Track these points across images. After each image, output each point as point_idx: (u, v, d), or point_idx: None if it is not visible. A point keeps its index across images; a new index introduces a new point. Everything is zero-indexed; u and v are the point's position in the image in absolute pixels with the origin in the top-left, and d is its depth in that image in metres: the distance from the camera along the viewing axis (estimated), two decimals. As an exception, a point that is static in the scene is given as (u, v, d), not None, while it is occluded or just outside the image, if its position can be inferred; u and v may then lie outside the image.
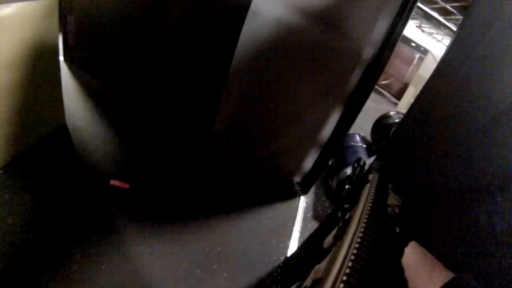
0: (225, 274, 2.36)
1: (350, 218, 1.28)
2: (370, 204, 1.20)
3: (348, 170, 3.56)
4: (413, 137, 1.65)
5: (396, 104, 10.78)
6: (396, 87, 11.76)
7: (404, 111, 2.36)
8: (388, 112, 4.62)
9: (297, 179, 3.75)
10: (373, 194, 1.28)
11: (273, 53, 2.94)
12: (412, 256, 0.93)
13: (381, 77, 2.92)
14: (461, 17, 5.69)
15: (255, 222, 2.97)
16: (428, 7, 6.46)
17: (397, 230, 1.07)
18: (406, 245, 0.97)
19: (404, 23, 2.50)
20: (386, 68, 2.88)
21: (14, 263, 1.87)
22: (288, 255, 2.75)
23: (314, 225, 3.22)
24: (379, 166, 1.67)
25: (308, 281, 1.32)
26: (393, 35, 2.56)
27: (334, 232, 1.39)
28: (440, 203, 1.13)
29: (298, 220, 3.24)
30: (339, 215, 1.46)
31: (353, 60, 2.79)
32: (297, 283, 1.55)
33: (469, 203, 0.96)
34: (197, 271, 2.29)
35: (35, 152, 2.62)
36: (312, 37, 2.77)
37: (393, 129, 3.71)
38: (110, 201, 2.53)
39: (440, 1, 5.75)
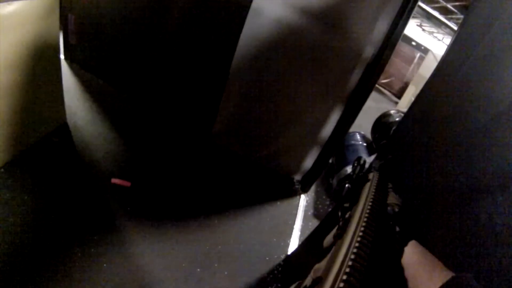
0: (226, 273, 2.36)
1: (350, 217, 1.28)
2: (370, 203, 1.20)
3: (349, 169, 3.57)
4: (413, 136, 1.65)
5: (396, 103, 10.79)
6: (397, 86, 11.76)
7: (405, 110, 2.36)
8: (389, 110, 4.62)
9: (297, 177, 3.76)
10: (373, 193, 1.28)
11: (273, 53, 2.94)
12: (412, 256, 0.94)
13: (381, 76, 2.92)
14: (461, 16, 5.68)
15: (256, 221, 2.98)
16: (429, 6, 6.45)
17: (397, 229, 1.07)
18: (406, 245, 0.97)
19: (405, 23, 2.50)
20: (387, 67, 2.88)
21: (15, 262, 1.87)
22: (289, 253, 2.75)
23: (314, 223, 3.23)
24: (379, 165, 1.67)
25: (308, 280, 1.32)
26: (394, 34, 2.56)
27: (334, 231, 1.40)
28: (440, 203, 1.13)
29: (299, 218, 3.24)
30: (339, 214, 1.47)
31: (354, 60, 2.79)
32: (297, 282, 1.55)
33: (469, 202, 0.96)
34: (198, 270, 2.29)
35: (36, 151, 2.62)
36: (313, 37, 2.77)
37: (393, 128, 3.71)
38: (111, 200, 2.53)
39: (441, 0, 5.74)
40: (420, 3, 6.02)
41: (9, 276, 1.80)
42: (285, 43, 2.88)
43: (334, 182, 3.69)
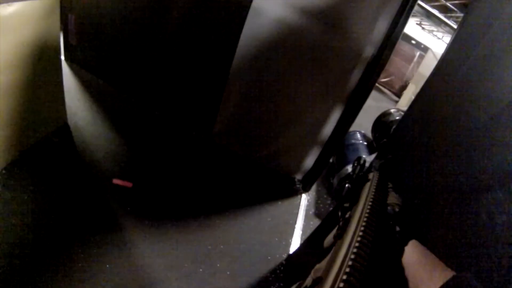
0: (228, 273, 2.37)
1: (350, 217, 1.28)
2: (370, 203, 1.20)
3: (349, 168, 3.57)
4: (413, 136, 1.65)
5: (396, 101, 10.77)
6: (397, 84, 11.74)
7: (405, 108, 2.36)
8: (389, 109, 4.61)
9: (298, 177, 3.76)
10: (373, 193, 1.28)
11: (273, 53, 2.94)
12: (413, 255, 0.94)
13: (381, 75, 2.92)
14: (461, 15, 5.67)
15: (257, 221, 2.98)
16: (428, 5, 6.45)
17: (397, 229, 1.07)
18: (406, 244, 0.97)
19: (405, 22, 2.50)
20: (387, 66, 2.88)
21: (15, 263, 1.88)
22: (291, 252, 2.76)
23: (316, 222, 3.23)
24: (379, 164, 1.67)
25: (308, 281, 1.33)
26: (394, 34, 2.57)
27: (334, 231, 1.40)
28: (440, 202, 1.13)
29: (300, 217, 3.25)
30: (339, 214, 1.47)
31: (354, 59, 2.79)
32: (298, 283, 1.56)
33: (469, 202, 0.96)
34: (200, 270, 2.30)
35: (37, 152, 2.62)
36: (313, 37, 2.77)
37: (393, 127, 3.71)
38: (111, 200, 2.54)
39: (440, -1, 5.74)
40: (419, 2, 6.01)
41: (10, 276, 1.81)
42: (285, 43, 2.89)
43: (335, 181, 3.69)
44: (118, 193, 2.61)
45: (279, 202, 3.33)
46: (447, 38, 8.89)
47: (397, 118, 4.23)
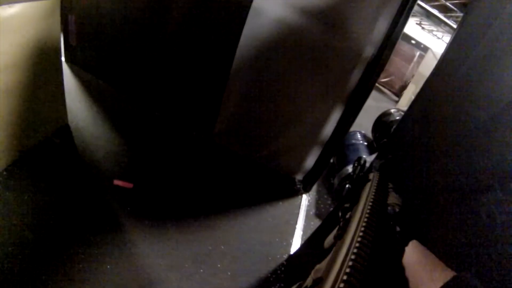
0: (228, 273, 2.37)
1: (351, 217, 1.29)
2: (370, 203, 1.20)
3: (350, 168, 3.57)
4: (413, 136, 1.65)
5: (396, 101, 10.77)
6: (397, 84, 11.73)
7: (405, 108, 2.36)
8: (389, 109, 4.62)
9: (299, 177, 3.76)
10: (373, 193, 1.28)
11: (273, 53, 2.95)
12: (413, 255, 0.94)
13: (381, 75, 2.92)
14: (461, 14, 5.67)
15: (258, 221, 2.98)
16: (428, 5, 6.44)
17: (398, 229, 1.07)
18: (406, 244, 0.97)
19: (404, 22, 2.50)
20: (386, 66, 2.88)
21: (16, 263, 1.88)
22: (291, 253, 2.76)
23: (316, 222, 3.23)
24: (380, 165, 1.67)
25: (308, 281, 1.33)
26: (393, 34, 2.57)
27: (334, 231, 1.40)
28: (440, 202, 1.13)
29: (301, 218, 3.25)
30: (340, 214, 1.47)
31: (354, 59, 2.79)
32: (298, 283, 1.56)
33: (469, 202, 0.96)
34: (201, 271, 2.30)
35: (38, 153, 2.63)
36: (313, 37, 2.78)
37: (393, 127, 3.71)
38: (112, 201, 2.54)
39: (440, -2, 5.74)
40: (419, 2, 6.01)
41: (10, 276, 1.82)
42: (286, 43, 2.89)
43: (336, 181, 3.69)
44: (119, 193, 2.62)
45: (280, 203, 3.34)
46: (447, 38, 8.89)
47: (397, 118, 4.23)
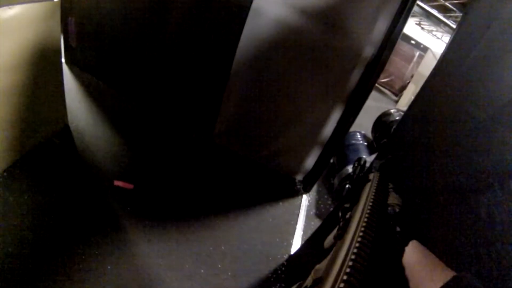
0: (229, 273, 2.37)
1: (351, 217, 1.29)
2: (370, 204, 1.21)
3: (350, 168, 3.57)
4: (413, 136, 1.65)
5: (396, 102, 10.77)
6: (396, 84, 11.72)
7: (405, 108, 2.37)
8: (389, 110, 4.62)
9: (299, 177, 3.76)
10: (373, 194, 1.29)
11: (273, 53, 2.95)
12: (413, 255, 0.94)
13: (381, 75, 2.93)
14: (460, 14, 5.67)
15: (258, 221, 2.98)
16: (427, 5, 6.45)
17: (398, 229, 1.07)
18: (406, 244, 0.98)
19: (404, 22, 2.50)
20: (386, 66, 2.88)
21: (17, 263, 1.88)
22: (292, 253, 2.76)
23: (317, 223, 3.23)
24: (380, 165, 1.67)
25: (308, 281, 1.33)
26: (393, 34, 2.57)
27: (334, 231, 1.40)
28: (440, 202, 1.13)
29: (301, 218, 3.25)
30: (340, 214, 1.47)
31: (354, 59, 2.80)
32: (298, 283, 1.56)
33: (469, 202, 0.97)
34: (201, 271, 2.30)
35: (38, 153, 2.63)
36: (313, 37, 2.78)
37: (393, 127, 3.71)
38: (113, 201, 2.54)
39: (439, -1, 5.74)
40: (418, 2, 6.01)
41: (11, 277, 1.82)
42: (286, 43, 2.89)
43: (336, 181, 3.69)
44: (119, 194, 2.62)
45: (280, 203, 3.34)
46: (447, 38, 8.89)
47: (397, 118, 4.23)
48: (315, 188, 3.74)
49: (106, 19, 3.58)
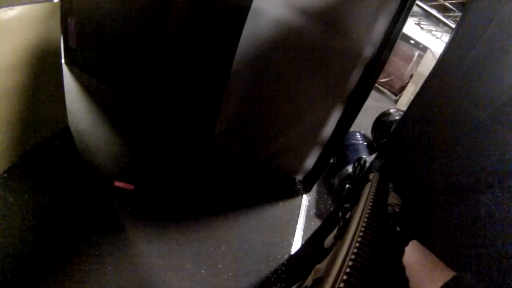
0: (230, 273, 2.37)
1: (351, 217, 1.29)
2: (370, 204, 1.21)
3: (350, 168, 3.57)
4: (413, 135, 1.65)
5: (396, 101, 10.77)
6: (396, 84, 11.72)
7: (404, 108, 2.37)
8: (388, 109, 4.62)
9: (299, 177, 3.76)
10: (373, 194, 1.29)
11: (273, 53, 2.95)
12: (413, 255, 0.94)
13: (380, 75, 2.93)
14: (459, 14, 5.67)
15: (258, 221, 2.99)
16: (426, 5, 6.44)
17: (398, 229, 1.07)
18: (406, 244, 0.98)
19: (403, 22, 2.50)
20: (386, 66, 2.89)
21: (17, 264, 1.88)
22: (292, 253, 2.76)
23: (317, 223, 3.23)
24: (380, 165, 1.67)
25: (308, 281, 1.33)
26: (393, 34, 2.57)
27: (334, 231, 1.40)
28: (440, 202, 1.13)
29: (301, 218, 3.25)
30: (340, 214, 1.47)
31: (353, 59, 2.80)
32: (298, 283, 1.56)
33: (469, 201, 0.97)
34: (202, 271, 2.30)
35: (38, 154, 2.63)
36: (313, 37, 2.78)
37: (393, 127, 3.71)
38: (113, 202, 2.54)
39: (438, -2, 5.74)
40: (418, 2, 6.02)
41: (11, 277, 1.82)
42: (285, 43, 2.89)
43: (336, 181, 3.69)
44: (119, 194, 2.62)
45: (280, 203, 3.34)
46: (446, 38, 8.89)
47: (397, 118, 4.23)
48: (315, 188, 3.75)
49: (105, 19, 3.58)
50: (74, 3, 3.61)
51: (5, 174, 2.34)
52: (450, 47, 1.61)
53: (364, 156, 3.25)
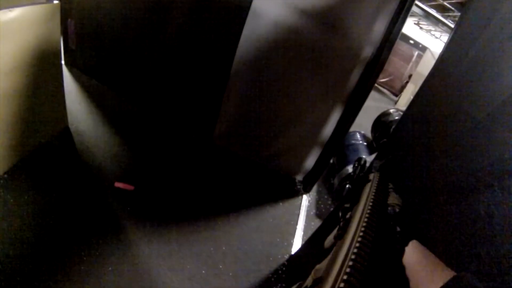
0: (230, 274, 2.37)
1: (351, 217, 1.29)
2: (370, 204, 1.21)
3: (350, 168, 3.57)
4: (412, 135, 1.66)
5: (395, 101, 10.78)
6: (396, 84, 11.74)
7: (404, 108, 2.37)
8: (388, 109, 4.62)
9: (299, 177, 3.76)
10: (373, 194, 1.29)
11: (273, 53, 2.95)
12: (413, 255, 0.94)
13: (380, 75, 2.93)
14: (458, 14, 5.68)
15: (259, 221, 2.99)
16: (426, 5, 6.45)
17: (398, 229, 1.07)
18: (406, 244, 0.98)
19: (403, 22, 2.51)
20: (385, 66, 2.89)
21: (17, 264, 1.88)
22: (292, 253, 2.76)
23: (317, 223, 3.23)
24: (380, 165, 1.68)
25: (308, 281, 1.33)
26: (392, 34, 2.57)
27: (335, 231, 1.40)
28: (440, 201, 1.14)
29: (301, 218, 3.25)
30: (340, 214, 1.47)
31: (353, 59, 2.80)
32: (298, 283, 1.56)
33: (468, 201, 0.97)
34: (202, 272, 2.30)
35: (39, 156, 2.63)
36: (312, 37, 2.78)
37: (393, 127, 3.71)
38: (114, 203, 2.54)
39: (437, -2, 5.75)
40: (417, 2, 6.02)
41: (11, 278, 1.82)
42: (285, 44, 2.89)
43: (336, 181, 3.69)
44: (120, 195, 2.62)
45: (280, 203, 3.34)
46: (445, 37, 8.90)
47: (397, 118, 4.23)
48: (315, 188, 3.75)
49: (105, 20, 3.58)
50: (74, 4, 3.61)
51: (5, 175, 2.34)
52: (449, 47, 1.61)
53: (364, 156, 3.26)
